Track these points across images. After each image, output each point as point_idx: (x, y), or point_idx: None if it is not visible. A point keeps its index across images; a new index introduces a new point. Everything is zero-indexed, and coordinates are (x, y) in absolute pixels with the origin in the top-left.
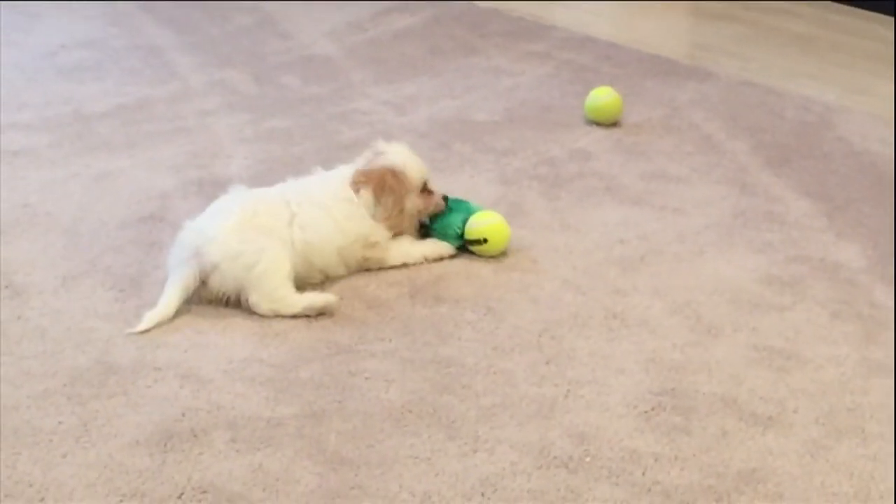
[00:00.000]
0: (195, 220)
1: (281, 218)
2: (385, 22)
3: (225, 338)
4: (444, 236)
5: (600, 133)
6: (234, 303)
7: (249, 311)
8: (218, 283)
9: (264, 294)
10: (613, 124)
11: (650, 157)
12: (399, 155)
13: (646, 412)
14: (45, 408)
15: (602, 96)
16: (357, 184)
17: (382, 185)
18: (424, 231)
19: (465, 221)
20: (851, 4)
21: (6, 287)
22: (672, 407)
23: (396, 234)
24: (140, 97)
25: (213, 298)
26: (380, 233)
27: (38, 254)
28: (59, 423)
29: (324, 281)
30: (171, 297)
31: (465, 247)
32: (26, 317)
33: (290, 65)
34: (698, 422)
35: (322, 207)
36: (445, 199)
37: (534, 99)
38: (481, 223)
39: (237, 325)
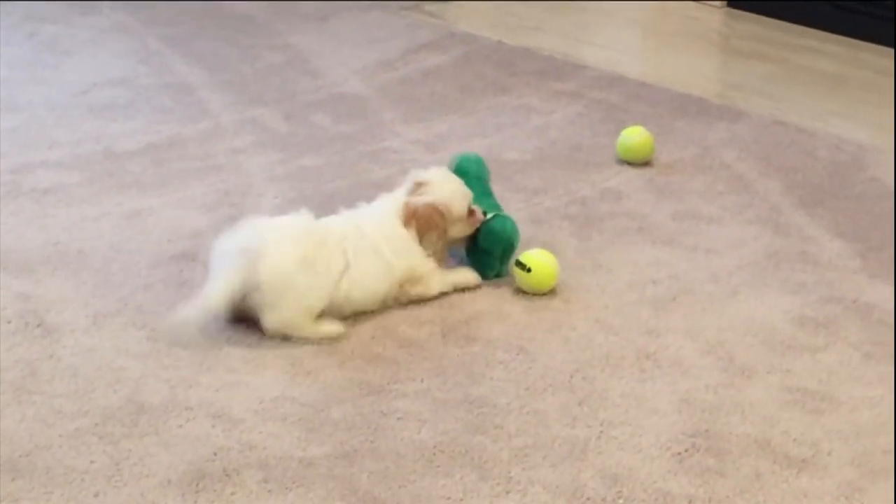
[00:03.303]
0: (257, 227)
1: (335, 266)
2: (415, 60)
3: (256, 377)
4: (489, 248)
5: (632, 172)
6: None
7: (281, 350)
8: (255, 301)
9: (281, 318)
10: (645, 164)
11: (682, 196)
12: (443, 186)
13: (679, 454)
14: (77, 447)
15: (634, 136)
16: (404, 221)
17: (428, 223)
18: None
19: (513, 227)
20: (882, 44)
21: (38, 326)
22: (705, 448)
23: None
24: (171, 135)
25: (243, 313)
26: (426, 265)
27: (69, 292)
28: (91, 462)
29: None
30: (218, 295)
31: (504, 272)
32: (58, 355)
33: (320, 103)
34: (732, 464)
35: (375, 252)
36: (484, 212)
37: (564, 138)
38: (536, 255)
39: (268, 364)
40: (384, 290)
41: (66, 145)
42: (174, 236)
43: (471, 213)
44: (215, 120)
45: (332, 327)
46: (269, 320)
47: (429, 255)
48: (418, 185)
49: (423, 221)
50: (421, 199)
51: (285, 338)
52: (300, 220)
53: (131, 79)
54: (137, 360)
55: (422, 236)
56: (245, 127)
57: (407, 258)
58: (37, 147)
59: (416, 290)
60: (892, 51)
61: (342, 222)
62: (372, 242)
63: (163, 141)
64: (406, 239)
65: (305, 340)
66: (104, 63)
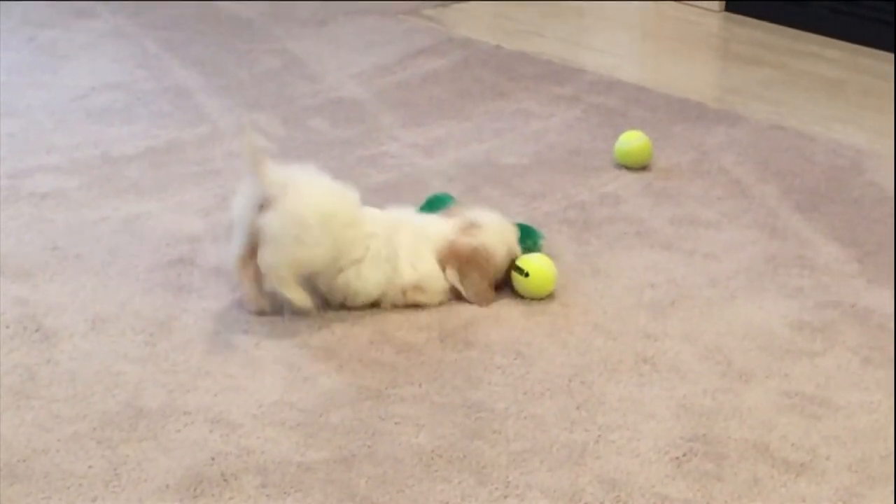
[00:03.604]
0: (310, 172)
1: (350, 251)
2: (413, 65)
3: (254, 382)
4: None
5: (630, 177)
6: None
7: (279, 355)
8: (266, 226)
9: (277, 259)
10: (643, 168)
11: (680, 201)
12: (493, 233)
13: (677, 458)
14: (75, 452)
15: (632, 140)
16: (444, 261)
17: (470, 263)
18: None
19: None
20: (882, 48)
21: (36, 330)
22: (703, 453)
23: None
24: (169, 140)
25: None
26: (436, 283)
27: (67, 297)
28: (89, 467)
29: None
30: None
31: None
32: (56, 360)
33: (318, 108)
34: (730, 468)
35: (389, 263)
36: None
37: (563, 142)
38: (534, 259)
39: (266, 369)
40: (378, 295)
41: (65, 150)
42: (172, 241)
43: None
44: (213, 124)
45: (302, 296)
46: (267, 255)
47: (474, 297)
48: (471, 226)
49: (465, 262)
50: (467, 240)
51: (281, 337)
52: (346, 192)
53: (129, 83)
54: (136, 364)
55: (463, 276)
56: (243, 131)
57: (420, 272)
58: (35, 152)
59: (416, 297)
60: (892, 55)
61: (380, 221)
62: (392, 251)
63: (161, 145)
64: (433, 271)
65: (302, 344)
66: (102, 67)
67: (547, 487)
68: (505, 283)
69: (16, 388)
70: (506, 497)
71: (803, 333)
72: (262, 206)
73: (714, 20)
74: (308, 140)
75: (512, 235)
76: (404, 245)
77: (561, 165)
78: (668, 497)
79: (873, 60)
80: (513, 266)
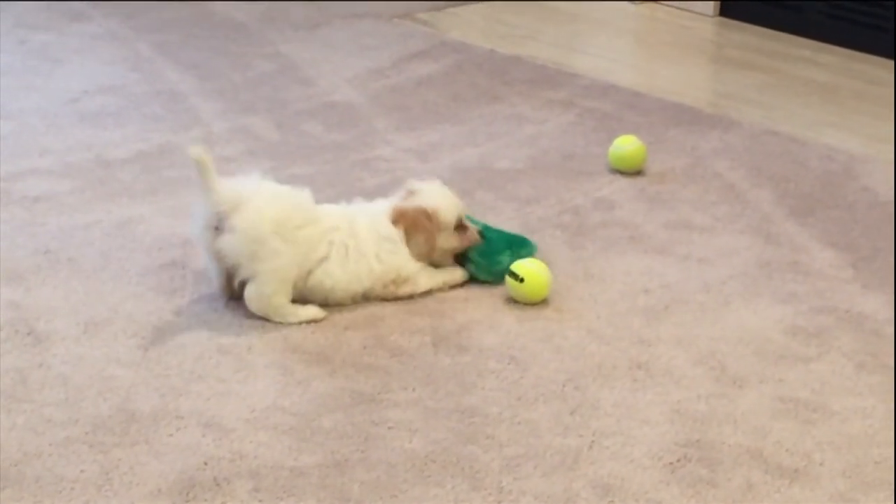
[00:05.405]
0: (255, 182)
1: (315, 251)
2: (407, 69)
3: (247, 386)
4: (486, 269)
5: (624, 182)
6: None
7: (272, 359)
8: (224, 248)
9: (261, 294)
10: (637, 173)
11: (674, 206)
12: (433, 194)
13: (671, 464)
14: (67, 456)
15: (626, 145)
16: (393, 222)
17: (415, 225)
18: (462, 262)
19: (511, 260)
20: (876, 53)
21: (28, 334)
22: (697, 459)
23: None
24: (162, 143)
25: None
26: (412, 266)
27: (59, 301)
28: (81, 471)
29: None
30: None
31: (504, 279)
32: (48, 364)
33: (312, 112)
34: (724, 474)
35: (359, 253)
36: (482, 234)
37: (557, 147)
38: (529, 265)
39: (259, 373)
40: (360, 289)
41: (57, 153)
42: (165, 244)
43: (463, 227)
44: (206, 128)
45: (312, 311)
46: (250, 294)
47: (417, 258)
48: (410, 193)
49: (410, 222)
50: (410, 203)
51: (274, 341)
52: (297, 195)
53: (122, 86)
54: (128, 368)
55: (409, 238)
56: (236, 135)
57: (393, 260)
58: (27, 155)
59: (403, 290)
60: (884, 60)
61: (338, 215)
62: (359, 243)
63: (154, 149)
64: (394, 240)
65: (295, 349)
66: (95, 71)
67: (540, 493)
68: (462, 255)
69: (7, 392)
70: (499, 502)
71: (797, 339)
72: (217, 227)
73: (708, 25)
74: (302, 144)
75: (451, 194)
76: (363, 235)
77: (555, 170)
78: (661, 503)
79: (866, 65)
80: (509, 272)
